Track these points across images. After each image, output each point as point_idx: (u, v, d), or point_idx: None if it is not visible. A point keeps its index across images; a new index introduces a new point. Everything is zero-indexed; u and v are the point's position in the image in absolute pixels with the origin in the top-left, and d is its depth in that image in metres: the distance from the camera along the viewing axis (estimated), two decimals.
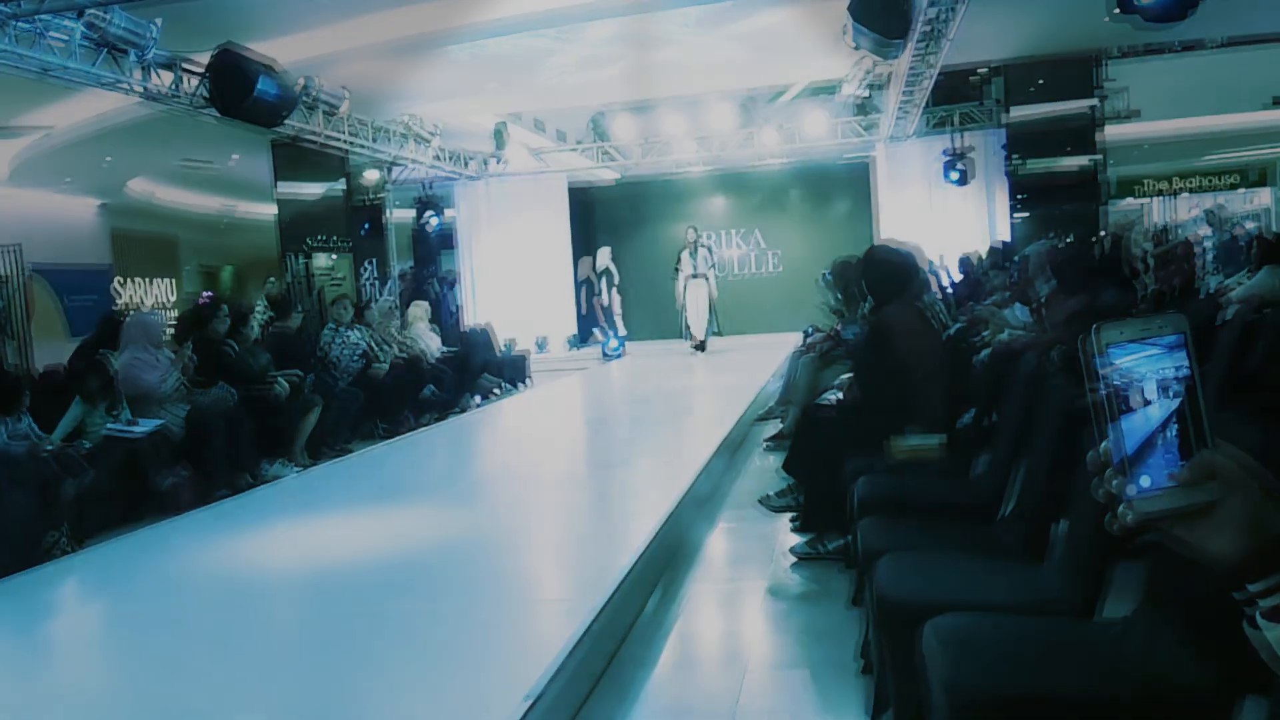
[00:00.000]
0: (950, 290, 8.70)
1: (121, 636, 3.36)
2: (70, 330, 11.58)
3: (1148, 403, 0.79)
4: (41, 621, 3.79)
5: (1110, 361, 0.79)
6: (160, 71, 7.56)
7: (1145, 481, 0.79)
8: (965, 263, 10.42)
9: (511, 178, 14.08)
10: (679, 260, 12.33)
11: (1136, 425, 0.79)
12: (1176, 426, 0.79)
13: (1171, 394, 0.79)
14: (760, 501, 4.46)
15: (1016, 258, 6.46)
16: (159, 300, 15.92)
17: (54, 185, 13.42)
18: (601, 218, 15.79)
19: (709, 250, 12.51)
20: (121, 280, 15.06)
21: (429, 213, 13.80)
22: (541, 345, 14.22)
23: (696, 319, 12.25)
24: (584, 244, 15.36)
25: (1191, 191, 16.33)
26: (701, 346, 12.23)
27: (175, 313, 15.14)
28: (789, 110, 13.20)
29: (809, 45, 9.58)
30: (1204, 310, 4.99)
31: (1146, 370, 0.79)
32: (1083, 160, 11.01)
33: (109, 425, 5.62)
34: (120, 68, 7.15)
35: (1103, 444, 0.80)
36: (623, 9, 8.36)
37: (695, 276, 12.18)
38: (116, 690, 2.80)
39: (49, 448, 5.09)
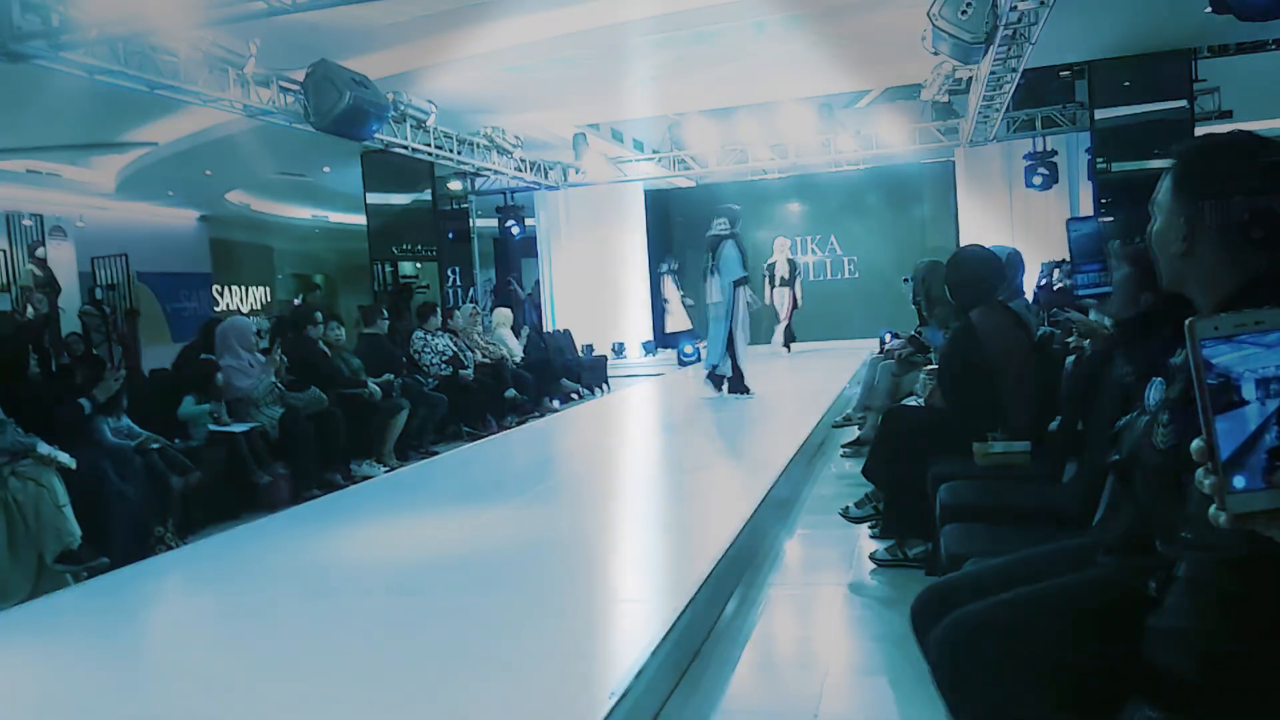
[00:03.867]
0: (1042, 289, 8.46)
1: (222, 627, 3.48)
2: (172, 334, 12.10)
3: (1245, 401, 0.77)
4: (148, 612, 3.97)
5: (1205, 358, 0.78)
6: (259, 88, 7.89)
7: (1240, 481, 0.77)
8: (1050, 267, 10.19)
9: (590, 186, 14.26)
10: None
11: (1233, 423, 0.77)
12: (1277, 427, 0.77)
13: (1272, 392, 0.77)
14: (840, 514, 4.45)
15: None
16: (254, 305, 16.53)
17: (158, 197, 14.06)
18: (678, 222, 15.87)
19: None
20: (220, 287, 15.69)
21: (510, 221, 14.07)
22: (619, 350, 14.37)
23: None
24: (661, 249, 15.48)
25: None
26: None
27: (266, 318, 15.75)
28: (867, 115, 13.09)
29: (888, 49, 9.50)
30: None
31: (1244, 368, 0.77)
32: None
33: (211, 425, 5.90)
34: (221, 85, 7.50)
35: (1195, 441, 0.80)
36: (700, 19, 8.41)
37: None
38: (214, 676, 2.91)
39: (155, 445, 5.36)
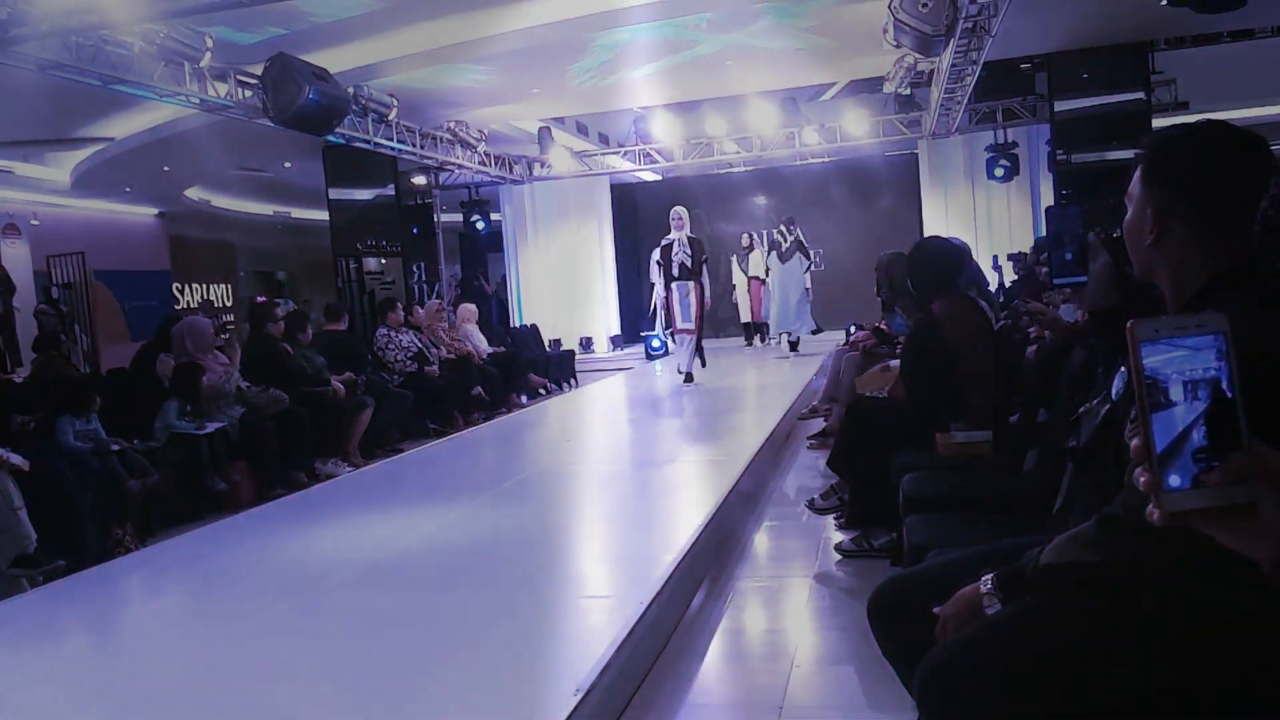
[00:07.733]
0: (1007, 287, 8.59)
1: (184, 630, 3.44)
2: (132, 334, 11.91)
3: (1181, 401, 0.79)
4: (109, 615, 3.91)
5: (1144, 358, 0.79)
6: (216, 82, 7.77)
7: (1175, 480, 0.78)
8: (1017, 259, 10.32)
9: (555, 180, 14.20)
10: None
11: (1169, 422, 0.79)
12: (1209, 426, 0.78)
13: (1207, 393, 0.78)
14: (807, 505, 4.48)
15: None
16: (218, 302, 16.32)
17: (114, 194, 13.84)
18: (645, 216, 15.87)
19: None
20: (180, 285, 15.47)
21: (475, 216, 13.99)
22: (587, 345, 14.35)
23: None
24: (628, 242, 15.44)
25: None
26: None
27: (232, 316, 15.58)
28: (831, 108, 13.15)
29: (851, 42, 9.54)
30: None
31: (1181, 369, 0.79)
32: (1130, 153, 10.84)
33: (175, 426, 5.80)
34: (177, 79, 7.37)
35: (1134, 440, 0.80)
36: (662, 11, 8.40)
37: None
38: (179, 679, 2.87)
39: (115, 447, 5.26)
